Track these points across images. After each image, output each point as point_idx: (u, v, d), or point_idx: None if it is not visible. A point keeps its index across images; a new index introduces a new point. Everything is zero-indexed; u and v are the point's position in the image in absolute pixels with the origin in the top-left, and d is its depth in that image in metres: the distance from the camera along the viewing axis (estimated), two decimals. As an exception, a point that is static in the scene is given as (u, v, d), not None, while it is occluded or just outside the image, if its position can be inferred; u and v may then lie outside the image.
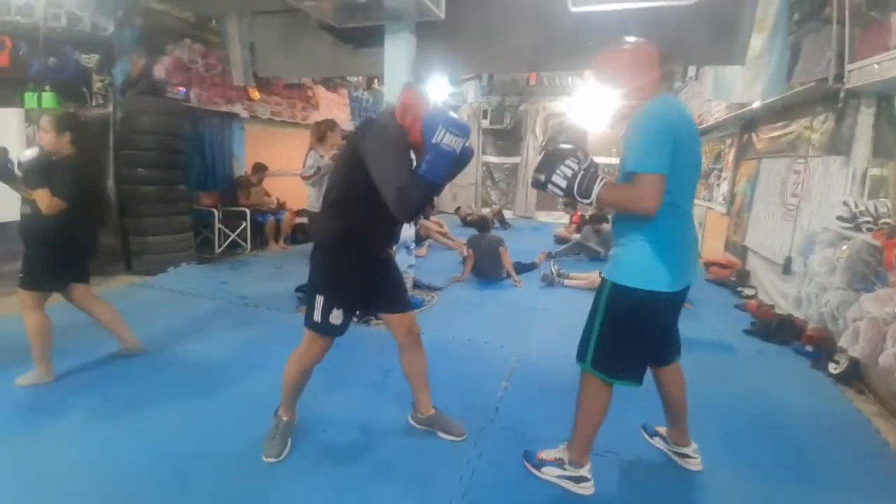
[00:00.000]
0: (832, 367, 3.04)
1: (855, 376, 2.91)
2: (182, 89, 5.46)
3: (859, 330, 2.54)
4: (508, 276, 5.11)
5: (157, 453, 2.00)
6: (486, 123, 11.02)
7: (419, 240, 7.07)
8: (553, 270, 5.08)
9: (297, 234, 6.92)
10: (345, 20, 4.03)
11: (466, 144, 1.70)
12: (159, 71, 5.20)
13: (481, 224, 5.41)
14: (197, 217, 5.80)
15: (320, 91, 7.86)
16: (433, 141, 1.63)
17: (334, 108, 8.28)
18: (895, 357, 2.26)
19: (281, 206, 6.85)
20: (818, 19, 3.60)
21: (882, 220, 2.92)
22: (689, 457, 2.04)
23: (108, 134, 4.84)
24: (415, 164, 1.78)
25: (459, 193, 11.18)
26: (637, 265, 1.62)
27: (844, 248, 2.95)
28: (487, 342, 3.36)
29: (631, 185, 1.51)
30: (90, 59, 4.77)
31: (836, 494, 1.96)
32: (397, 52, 3.99)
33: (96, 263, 4.91)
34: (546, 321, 3.97)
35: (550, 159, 1.65)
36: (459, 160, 1.72)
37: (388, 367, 2.85)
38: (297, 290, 4.16)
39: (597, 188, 1.56)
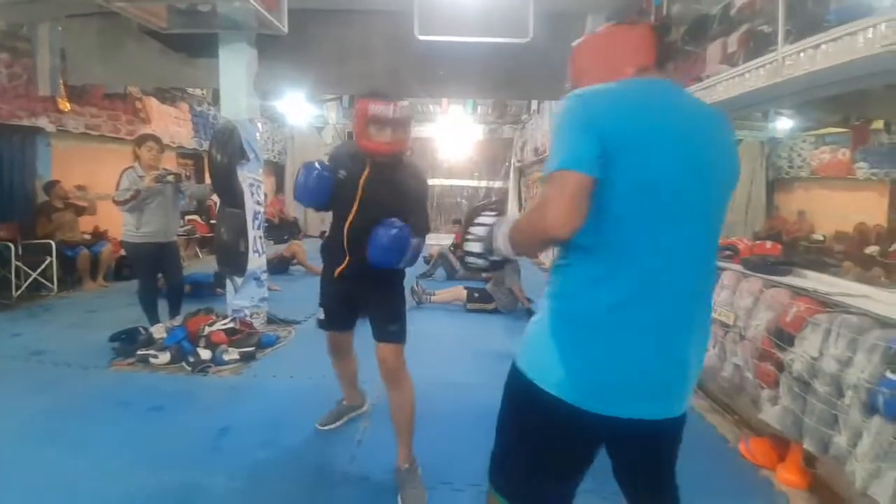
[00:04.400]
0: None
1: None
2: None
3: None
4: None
5: None
6: (350, 146, 10.88)
7: (282, 266, 6.55)
8: (418, 290, 5.05)
9: (124, 269, 5.87)
10: (170, 25, 3.56)
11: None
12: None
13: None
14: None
15: (152, 103, 6.92)
16: None
17: (171, 123, 7.36)
18: (717, 357, 2.52)
19: (101, 237, 5.78)
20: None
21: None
22: None
23: None
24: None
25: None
26: (532, 339, 1.04)
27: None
28: (347, 379, 3.11)
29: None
30: None
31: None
32: (234, 64, 3.64)
33: None
34: (414, 345, 3.86)
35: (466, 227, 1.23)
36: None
37: (225, 426, 2.44)
38: (112, 338, 3.42)
39: (502, 230, 1.08)
